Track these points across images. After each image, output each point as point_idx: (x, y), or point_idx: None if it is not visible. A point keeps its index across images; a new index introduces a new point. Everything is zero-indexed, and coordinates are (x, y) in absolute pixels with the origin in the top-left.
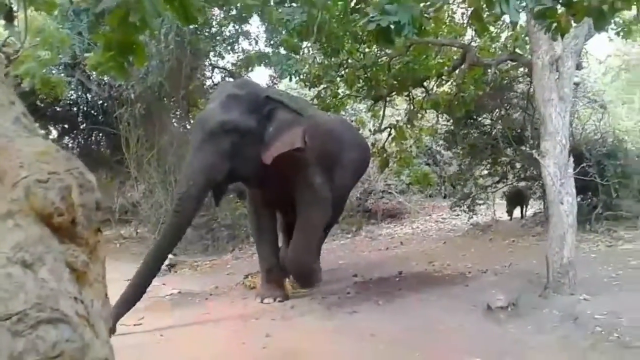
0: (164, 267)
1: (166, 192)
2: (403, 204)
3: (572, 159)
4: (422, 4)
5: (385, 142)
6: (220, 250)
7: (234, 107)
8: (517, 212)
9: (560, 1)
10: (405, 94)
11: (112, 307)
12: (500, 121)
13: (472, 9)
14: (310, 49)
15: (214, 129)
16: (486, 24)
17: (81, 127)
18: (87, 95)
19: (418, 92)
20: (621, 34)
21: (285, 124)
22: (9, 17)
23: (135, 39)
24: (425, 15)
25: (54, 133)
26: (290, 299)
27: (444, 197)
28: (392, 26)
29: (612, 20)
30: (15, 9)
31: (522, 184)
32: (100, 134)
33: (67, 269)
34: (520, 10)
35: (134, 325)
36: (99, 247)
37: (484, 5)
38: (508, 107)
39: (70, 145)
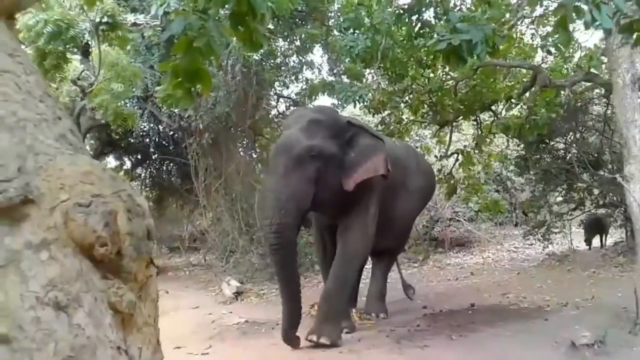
0: (231, 295)
1: (233, 220)
2: (472, 232)
3: None
4: (494, 23)
5: (452, 168)
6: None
7: (317, 132)
8: (596, 241)
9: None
10: (473, 118)
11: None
12: (575, 145)
13: (559, 16)
14: (374, 75)
15: (300, 155)
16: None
17: (153, 157)
18: (159, 126)
19: (486, 117)
20: None
21: (368, 150)
22: (85, 52)
23: (200, 65)
24: (498, 33)
25: (128, 164)
26: (358, 330)
27: (515, 225)
28: (463, 45)
29: None
30: (90, 44)
31: (601, 211)
32: (171, 164)
33: (110, 311)
34: (613, 18)
35: (202, 354)
36: (150, 283)
37: (573, 14)
38: (583, 130)
39: (142, 175)
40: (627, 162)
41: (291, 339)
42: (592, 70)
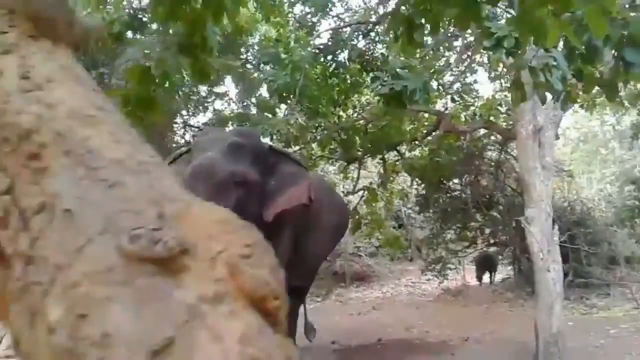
0: None
1: None
2: (372, 266)
3: (557, 227)
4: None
5: (357, 204)
6: None
7: (239, 157)
8: (485, 277)
9: (572, 73)
10: (379, 157)
11: None
12: (470, 186)
13: (512, 76)
14: (288, 109)
15: (223, 181)
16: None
17: None
18: None
19: (390, 155)
20: (585, 106)
21: (291, 178)
22: None
23: (153, 94)
24: (435, 81)
25: None
26: None
27: (410, 260)
28: (404, 91)
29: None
30: None
31: (492, 249)
32: None
33: None
34: (562, 80)
35: None
36: None
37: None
38: (477, 173)
39: None
40: (528, 206)
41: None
42: (492, 118)
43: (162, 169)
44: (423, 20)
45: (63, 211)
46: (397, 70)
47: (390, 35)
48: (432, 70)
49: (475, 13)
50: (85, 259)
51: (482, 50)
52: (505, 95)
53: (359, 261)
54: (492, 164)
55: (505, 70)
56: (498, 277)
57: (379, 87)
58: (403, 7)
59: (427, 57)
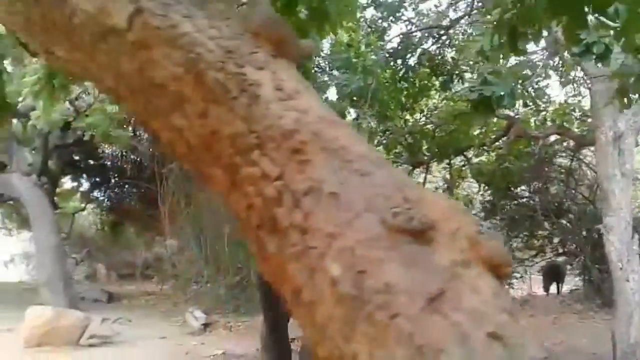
0: (199, 326)
1: (200, 250)
2: None
3: (637, 236)
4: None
5: None
6: (252, 310)
7: None
8: (552, 288)
9: None
10: (446, 161)
11: None
12: (538, 194)
13: (620, 85)
14: (361, 114)
15: None
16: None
17: (112, 180)
18: (123, 150)
19: (457, 160)
20: None
21: None
22: None
23: None
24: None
25: (85, 185)
26: None
27: None
28: (492, 97)
29: None
30: None
31: (560, 258)
32: (133, 189)
33: None
34: None
35: None
36: None
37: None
38: (547, 180)
39: (100, 197)
40: (607, 214)
41: None
42: (565, 124)
43: (389, 163)
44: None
45: (329, 194)
46: (486, 76)
47: (479, 41)
48: (517, 77)
49: (584, 22)
50: (355, 230)
51: (570, 57)
52: (579, 101)
53: None
54: (563, 170)
55: (581, 75)
56: (566, 287)
57: (468, 92)
58: (507, 15)
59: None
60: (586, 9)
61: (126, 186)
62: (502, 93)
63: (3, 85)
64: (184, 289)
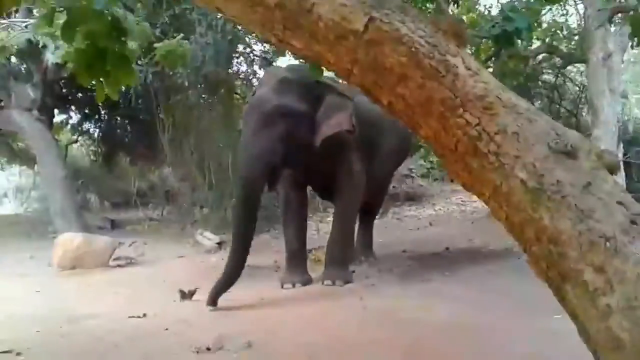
0: (213, 245)
1: (202, 176)
2: (424, 187)
3: (622, 145)
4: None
5: None
6: (256, 229)
7: (287, 91)
8: None
9: None
10: None
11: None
12: None
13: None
14: None
15: (269, 113)
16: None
17: (102, 112)
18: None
19: None
20: None
21: (334, 107)
22: None
23: None
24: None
25: (75, 118)
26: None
27: (452, 181)
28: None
29: None
30: None
31: None
32: (125, 120)
33: None
34: None
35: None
36: None
37: None
38: (534, 97)
39: (91, 130)
40: (596, 126)
41: (214, 301)
42: (554, 43)
43: (541, 112)
44: None
45: (512, 133)
46: (509, 13)
47: None
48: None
49: None
50: (532, 152)
51: None
52: (566, 20)
53: (411, 182)
54: (546, 87)
55: None
56: None
57: (491, 28)
58: None
59: None
60: None
61: (118, 118)
62: (520, 27)
63: None
64: (188, 214)
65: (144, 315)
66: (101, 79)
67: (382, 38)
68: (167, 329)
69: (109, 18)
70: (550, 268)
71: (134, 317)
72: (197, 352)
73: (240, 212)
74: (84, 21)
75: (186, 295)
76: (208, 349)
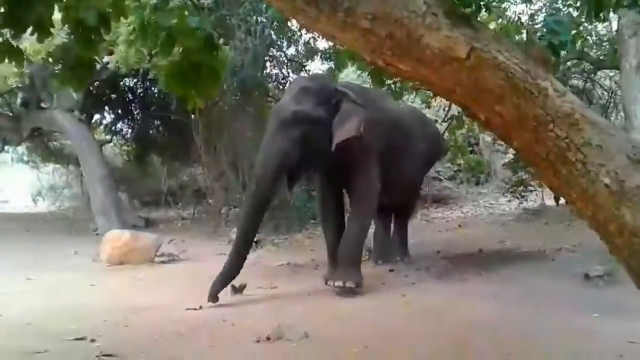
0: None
1: (236, 176)
2: (451, 189)
3: None
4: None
5: (445, 131)
6: (289, 228)
7: (305, 98)
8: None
9: None
10: None
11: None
12: None
13: None
14: None
15: (286, 118)
16: None
17: (135, 112)
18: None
19: None
20: None
21: (345, 114)
22: None
23: None
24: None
25: (108, 118)
26: (396, 270)
27: (477, 184)
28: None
29: None
30: None
31: None
32: (157, 120)
33: None
34: None
35: (271, 287)
36: None
37: None
38: None
39: (124, 130)
40: (629, 132)
41: (215, 297)
42: (585, 49)
43: (617, 127)
44: None
45: (596, 145)
46: (553, 27)
47: None
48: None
49: None
50: (613, 158)
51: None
52: (595, 26)
53: (438, 184)
54: (575, 91)
55: None
56: None
57: (540, 41)
58: None
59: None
60: None
61: (151, 118)
62: (565, 40)
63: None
64: (220, 213)
65: (200, 307)
66: (191, 90)
67: (482, 64)
68: (225, 320)
69: (202, 35)
70: (632, 257)
71: (190, 309)
72: (258, 341)
73: (249, 209)
74: (182, 37)
75: (237, 289)
76: (268, 338)
